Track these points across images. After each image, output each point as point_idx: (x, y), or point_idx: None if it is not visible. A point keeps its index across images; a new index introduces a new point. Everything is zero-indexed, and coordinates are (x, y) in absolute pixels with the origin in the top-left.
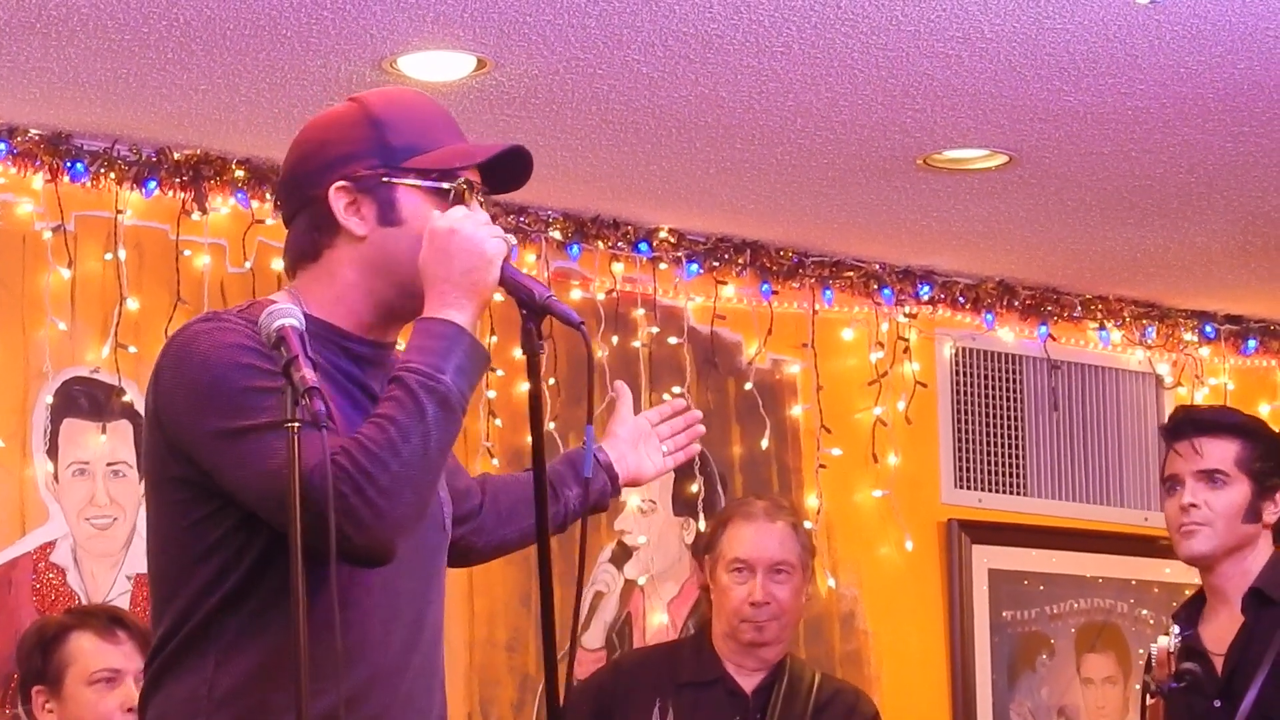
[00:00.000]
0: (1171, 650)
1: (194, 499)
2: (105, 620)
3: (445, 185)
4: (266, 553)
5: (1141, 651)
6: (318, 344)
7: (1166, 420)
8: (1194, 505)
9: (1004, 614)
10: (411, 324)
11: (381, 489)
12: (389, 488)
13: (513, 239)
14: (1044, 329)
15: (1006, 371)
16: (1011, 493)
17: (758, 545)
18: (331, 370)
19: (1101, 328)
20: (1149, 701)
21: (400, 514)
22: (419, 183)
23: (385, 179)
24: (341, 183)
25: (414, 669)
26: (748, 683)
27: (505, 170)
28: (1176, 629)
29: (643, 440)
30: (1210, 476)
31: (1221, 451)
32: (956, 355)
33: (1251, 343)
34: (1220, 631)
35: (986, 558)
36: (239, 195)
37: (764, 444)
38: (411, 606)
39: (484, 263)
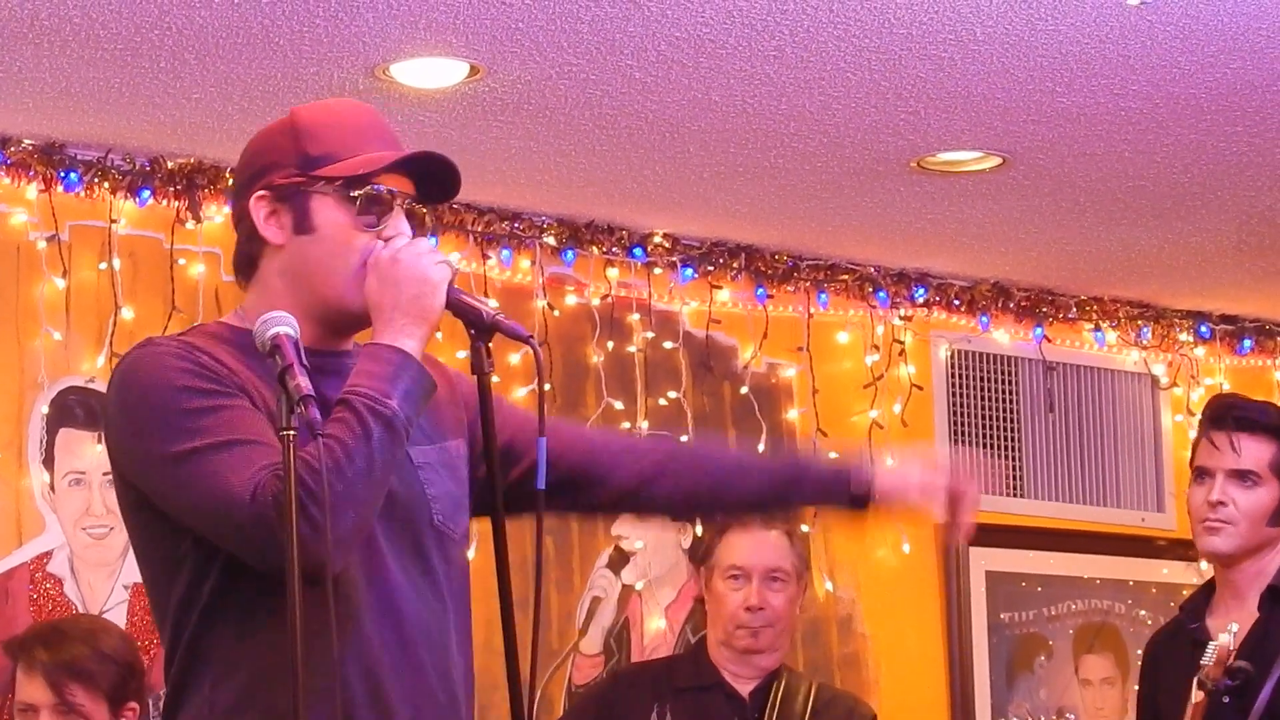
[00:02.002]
0: (1233, 648)
1: (154, 519)
2: (26, 652)
3: (354, 193)
4: (230, 566)
5: (1138, 652)
6: (258, 358)
7: (1208, 406)
8: (1222, 503)
9: (1002, 615)
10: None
11: (324, 507)
12: (334, 506)
13: (456, 262)
14: (1039, 330)
15: (1002, 373)
16: (1008, 494)
17: (753, 552)
18: (273, 384)
19: (1097, 329)
20: (1196, 700)
21: (340, 532)
22: (328, 190)
23: (300, 187)
24: (261, 192)
25: (421, 669)
26: (745, 688)
27: (441, 179)
28: (1235, 626)
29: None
30: (1242, 476)
31: (1259, 452)
32: (952, 357)
33: (1247, 342)
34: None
35: (984, 560)
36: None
37: (760, 448)
38: (409, 608)
39: (430, 289)
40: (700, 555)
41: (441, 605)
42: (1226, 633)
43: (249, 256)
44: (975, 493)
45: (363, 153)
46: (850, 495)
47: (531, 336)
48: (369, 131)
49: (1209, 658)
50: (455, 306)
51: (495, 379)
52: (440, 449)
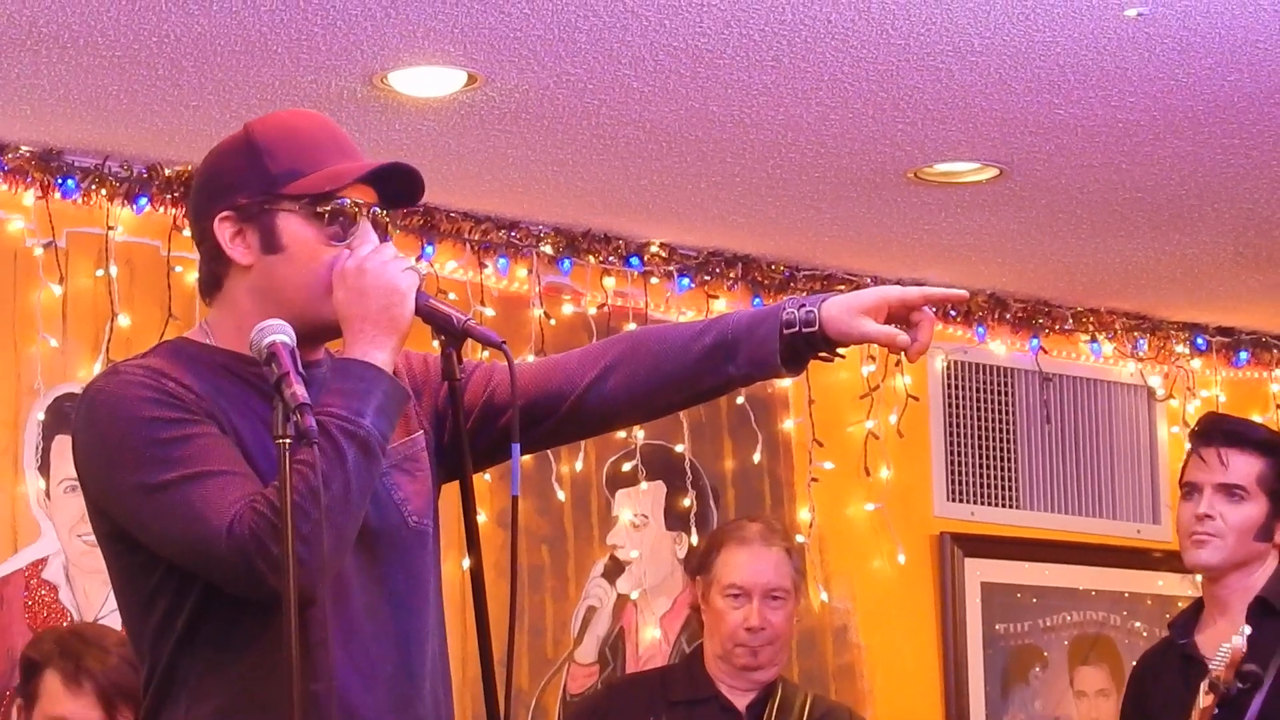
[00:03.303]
0: (1244, 650)
1: (127, 549)
2: (73, 663)
3: (320, 209)
4: (205, 593)
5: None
6: (226, 378)
7: (1196, 424)
8: (1209, 516)
9: (997, 627)
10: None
11: (303, 536)
12: (309, 535)
13: (424, 268)
14: (1035, 342)
15: (998, 384)
16: (1004, 505)
17: (754, 571)
18: (241, 404)
19: (1093, 340)
20: (1204, 704)
21: (321, 560)
22: (294, 208)
23: (265, 206)
24: (225, 213)
25: (397, 672)
26: (740, 700)
27: (400, 185)
28: (1248, 628)
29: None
30: (1230, 490)
31: (1246, 467)
32: (948, 368)
33: (1243, 355)
34: (1220, 640)
35: (979, 571)
36: None
37: (756, 458)
38: (377, 621)
39: (399, 298)
40: (696, 567)
41: (416, 608)
42: (1239, 635)
43: (214, 276)
44: (930, 315)
45: (323, 166)
46: (787, 332)
47: (504, 342)
48: (327, 144)
49: (1220, 660)
50: (425, 313)
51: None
52: (407, 442)
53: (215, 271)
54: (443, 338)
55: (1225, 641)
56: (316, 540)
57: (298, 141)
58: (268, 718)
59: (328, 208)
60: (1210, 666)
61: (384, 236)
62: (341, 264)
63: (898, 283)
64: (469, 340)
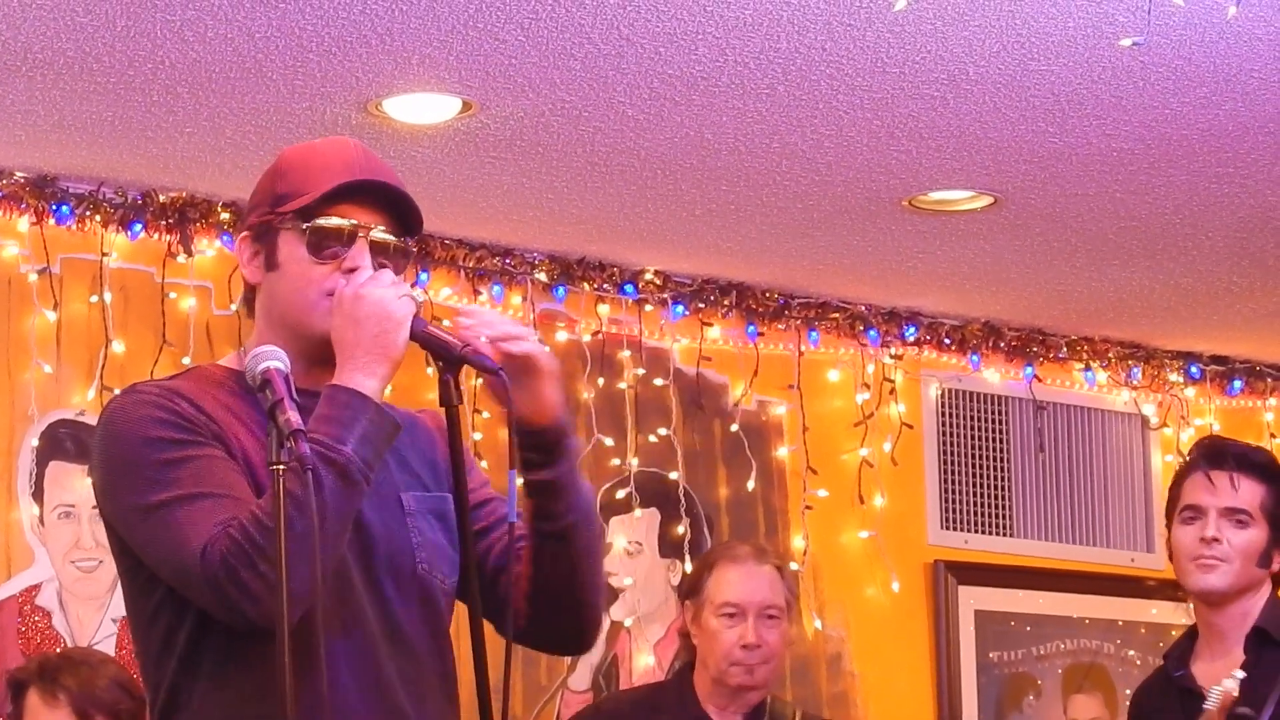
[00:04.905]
0: (1235, 694)
1: (133, 565)
2: (50, 680)
3: (305, 226)
4: (203, 616)
5: (1127, 692)
6: (243, 399)
7: (1202, 446)
8: (1216, 540)
9: (991, 655)
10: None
11: (274, 563)
12: (285, 562)
13: (420, 296)
14: (1030, 370)
15: (992, 412)
16: (998, 534)
17: (749, 589)
18: (255, 427)
19: (1087, 368)
20: None
21: (294, 587)
22: (290, 227)
23: (269, 225)
24: (244, 234)
25: (399, 714)
26: None
27: (407, 211)
28: (1240, 673)
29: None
30: (1235, 515)
31: (1253, 493)
32: (942, 396)
33: (1237, 383)
34: (1216, 671)
35: (973, 599)
36: (224, 238)
37: (750, 485)
38: (384, 656)
39: (393, 325)
40: (688, 590)
41: (421, 654)
42: (1231, 679)
43: (247, 296)
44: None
45: (324, 187)
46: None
47: (501, 369)
48: (337, 165)
49: (1213, 703)
50: (423, 340)
51: (484, 414)
52: (439, 498)
53: (246, 293)
54: (440, 364)
55: (1222, 673)
56: (293, 567)
57: (309, 163)
58: None
59: (310, 224)
60: (1204, 707)
61: (384, 261)
62: (340, 291)
63: (891, 310)
64: (465, 367)
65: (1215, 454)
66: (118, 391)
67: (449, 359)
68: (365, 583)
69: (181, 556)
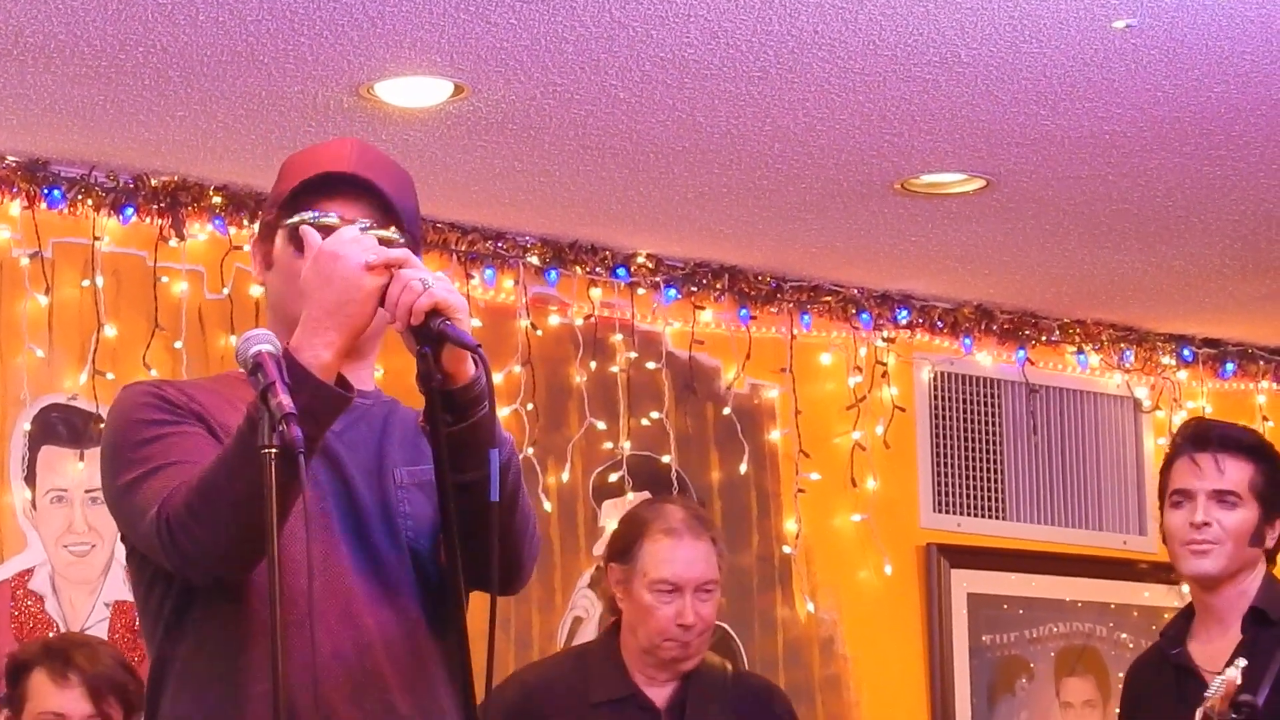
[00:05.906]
0: (1239, 682)
1: (133, 547)
2: (60, 661)
3: (285, 222)
4: (185, 586)
5: (1120, 675)
6: (245, 389)
7: (1186, 429)
8: (1207, 524)
9: (983, 638)
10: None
11: (204, 524)
12: (211, 523)
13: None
14: (1022, 353)
15: (985, 395)
16: (990, 517)
17: (686, 565)
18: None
19: (1080, 351)
20: None
21: (223, 549)
22: (282, 224)
23: (267, 225)
24: (256, 237)
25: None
26: (659, 694)
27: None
28: (1243, 661)
29: None
30: (1223, 496)
31: (1240, 473)
32: (935, 379)
33: (1229, 366)
34: (1213, 650)
35: (965, 582)
36: (216, 221)
37: (743, 469)
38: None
39: (360, 295)
40: (617, 552)
41: (412, 622)
42: (1234, 668)
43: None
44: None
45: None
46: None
47: (479, 346)
48: (325, 162)
49: (1215, 691)
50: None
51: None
52: (428, 470)
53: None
54: (417, 339)
55: (1220, 654)
56: (218, 530)
57: (304, 163)
58: (245, 702)
59: (290, 220)
60: (1205, 695)
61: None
62: (320, 245)
63: (883, 293)
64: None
65: (1199, 437)
66: (110, 376)
67: (426, 336)
68: (352, 549)
69: (144, 523)
